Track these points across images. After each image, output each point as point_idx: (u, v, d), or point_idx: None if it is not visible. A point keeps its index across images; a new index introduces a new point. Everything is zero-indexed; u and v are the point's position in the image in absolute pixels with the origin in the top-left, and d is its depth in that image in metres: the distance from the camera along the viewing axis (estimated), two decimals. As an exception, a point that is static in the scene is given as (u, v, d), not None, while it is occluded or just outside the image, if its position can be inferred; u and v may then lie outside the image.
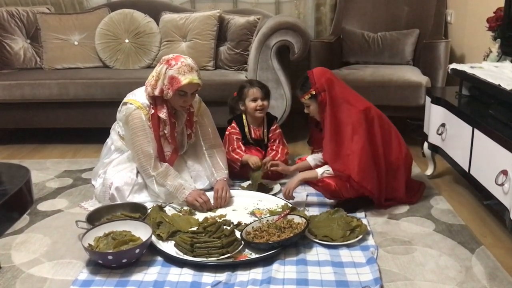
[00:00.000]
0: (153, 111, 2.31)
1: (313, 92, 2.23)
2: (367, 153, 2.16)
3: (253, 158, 2.54)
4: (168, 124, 2.34)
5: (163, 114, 2.31)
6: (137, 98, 2.33)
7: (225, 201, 2.32)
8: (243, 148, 2.64)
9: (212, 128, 2.55)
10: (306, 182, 2.41)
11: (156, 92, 2.27)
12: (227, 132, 2.71)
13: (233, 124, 2.71)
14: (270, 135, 2.73)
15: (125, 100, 2.35)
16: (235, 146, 2.65)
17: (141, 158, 2.28)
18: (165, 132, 2.35)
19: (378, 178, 2.20)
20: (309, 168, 2.51)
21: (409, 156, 2.36)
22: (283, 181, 2.59)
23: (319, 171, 2.26)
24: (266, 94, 2.64)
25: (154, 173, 2.28)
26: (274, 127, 2.74)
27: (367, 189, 2.17)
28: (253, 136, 2.69)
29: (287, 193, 2.28)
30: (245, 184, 2.58)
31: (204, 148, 2.51)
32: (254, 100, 2.59)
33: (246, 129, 2.68)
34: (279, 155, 2.64)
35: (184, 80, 2.20)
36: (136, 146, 2.29)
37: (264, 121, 2.72)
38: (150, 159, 2.28)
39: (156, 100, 2.31)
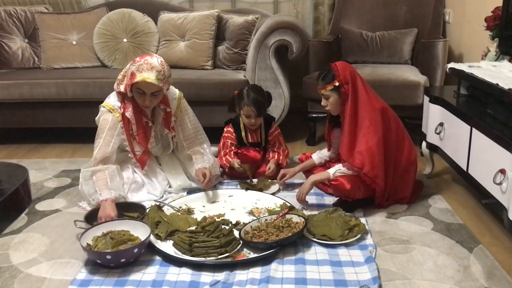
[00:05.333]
0: (122, 110, 2.32)
1: (337, 84, 2.20)
2: (381, 151, 2.16)
3: (235, 162, 2.55)
4: (134, 123, 2.34)
5: (128, 112, 2.31)
6: (110, 101, 2.36)
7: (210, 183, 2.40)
8: (232, 154, 2.63)
9: (193, 125, 2.53)
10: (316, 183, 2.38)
11: (121, 88, 2.30)
12: (223, 134, 2.69)
13: (229, 128, 2.68)
14: (269, 138, 2.70)
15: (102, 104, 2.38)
16: (227, 151, 2.64)
17: (92, 158, 2.29)
18: (133, 131, 2.35)
19: (386, 178, 2.20)
20: (314, 166, 2.51)
21: (416, 162, 2.36)
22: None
23: (331, 171, 2.23)
24: (260, 112, 2.57)
25: (88, 168, 2.25)
26: (273, 129, 2.71)
27: (378, 185, 2.17)
28: (250, 140, 2.67)
29: (300, 197, 2.26)
30: (253, 181, 2.57)
31: (185, 148, 2.51)
32: (247, 116, 2.57)
33: (243, 133, 2.66)
34: (281, 157, 2.64)
35: (138, 77, 2.18)
36: (95, 146, 2.31)
37: (261, 124, 2.68)
38: (94, 161, 2.27)
39: (124, 98, 2.33)
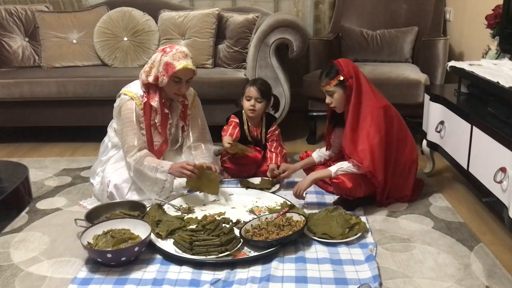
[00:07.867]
0: (146, 99, 2.34)
1: (341, 78, 2.19)
2: (382, 148, 2.16)
3: (225, 139, 2.51)
4: (159, 113, 2.36)
5: (155, 102, 2.34)
6: (131, 88, 2.38)
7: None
8: (235, 131, 2.61)
9: (202, 121, 2.58)
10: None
11: (151, 79, 2.31)
12: (230, 120, 2.67)
13: (234, 119, 2.67)
14: (268, 135, 2.69)
15: (120, 92, 2.39)
16: (231, 126, 2.63)
17: (125, 147, 2.32)
18: (156, 121, 2.37)
19: (385, 174, 2.20)
20: (314, 164, 2.52)
21: (417, 161, 2.36)
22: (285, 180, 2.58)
23: (332, 169, 2.22)
24: (263, 95, 2.56)
25: (131, 159, 2.27)
26: (273, 128, 2.70)
27: (377, 179, 2.17)
28: (251, 134, 2.68)
29: (298, 192, 2.26)
30: (254, 180, 2.57)
31: (191, 140, 2.54)
32: (248, 99, 2.56)
33: (245, 127, 2.67)
34: (279, 158, 2.62)
35: (179, 65, 2.24)
36: (123, 136, 2.33)
37: (262, 121, 2.68)
38: (133, 149, 2.29)
39: (149, 88, 2.35)
